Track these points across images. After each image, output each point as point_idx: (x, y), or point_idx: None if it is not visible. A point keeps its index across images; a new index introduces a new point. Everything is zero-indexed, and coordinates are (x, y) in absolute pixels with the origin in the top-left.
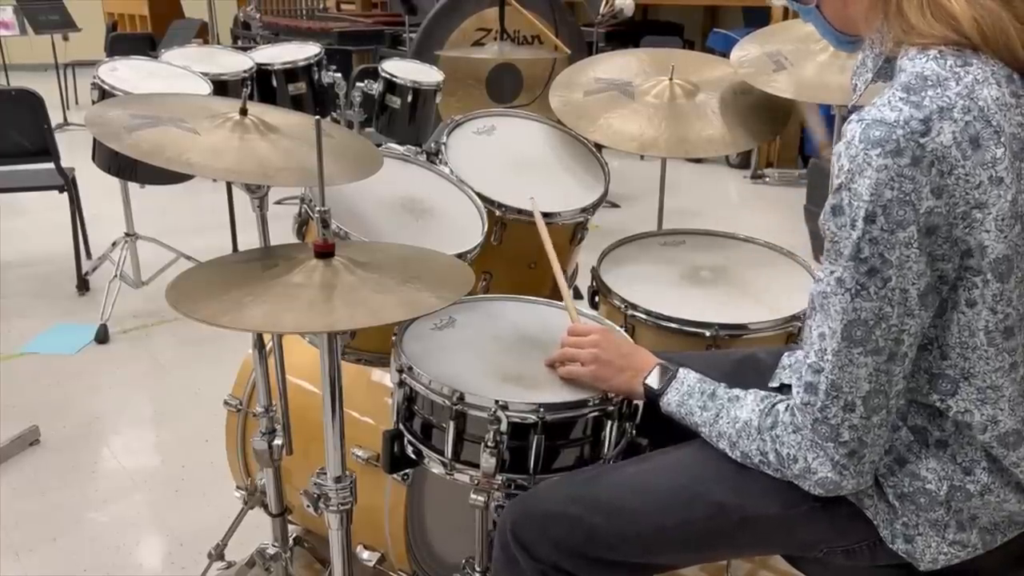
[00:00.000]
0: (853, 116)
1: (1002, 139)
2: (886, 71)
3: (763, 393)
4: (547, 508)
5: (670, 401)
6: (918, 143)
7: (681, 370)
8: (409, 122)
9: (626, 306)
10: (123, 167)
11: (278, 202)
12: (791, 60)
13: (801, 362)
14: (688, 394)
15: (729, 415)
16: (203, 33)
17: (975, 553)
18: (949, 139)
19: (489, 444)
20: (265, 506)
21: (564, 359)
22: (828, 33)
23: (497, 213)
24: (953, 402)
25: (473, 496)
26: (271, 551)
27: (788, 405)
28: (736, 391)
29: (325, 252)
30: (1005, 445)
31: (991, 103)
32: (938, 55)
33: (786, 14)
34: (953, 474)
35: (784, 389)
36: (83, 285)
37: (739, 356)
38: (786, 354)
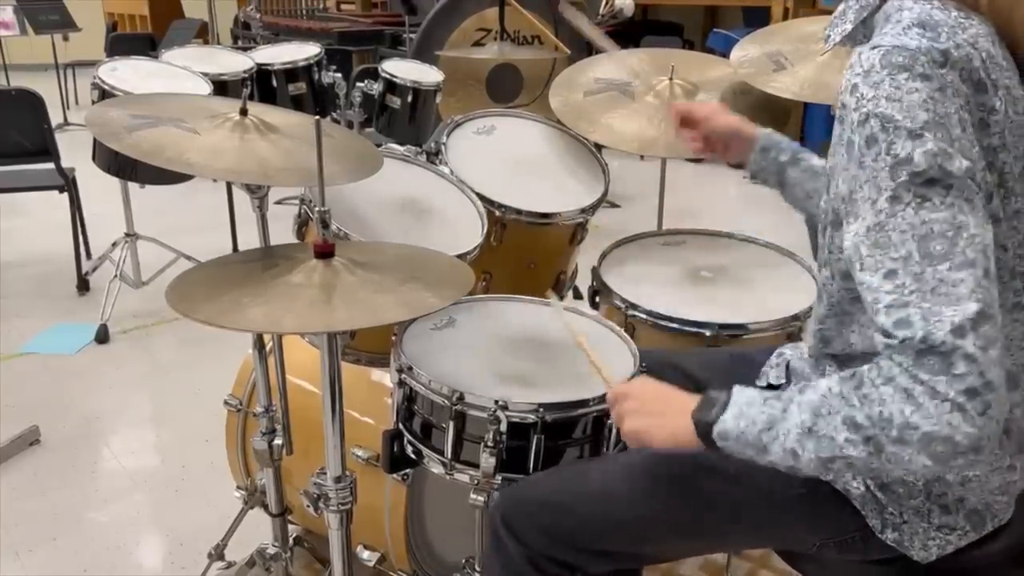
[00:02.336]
0: (861, 48)
1: (999, 92)
2: (862, 31)
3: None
4: (537, 496)
5: (726, 419)
6: (939, 73)
7: (735, 388)
8: (409, 122)
9: (626, 306)
10: (123, 167)
11: (278, 202)
12: (791, 60)
13: (872, 313)
14: (747, 403)
15: (803, 399)
16: (203, 33)
17: (968, 537)
18: (960, 76)
19: (489, 444)
20: (265, 506)
21: (616, 426)
22: None
23: (497, 213)
24: None
25: (473, 496)
26: (271, 551)
27: (870, 363)
28: (803, 384)
29: (325, 252)
30: None
31: (989, 58)
32: (941, 5)
33: (786, 14)
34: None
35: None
36: (83, 285)
37: (733, 354)
38: (775, 353)
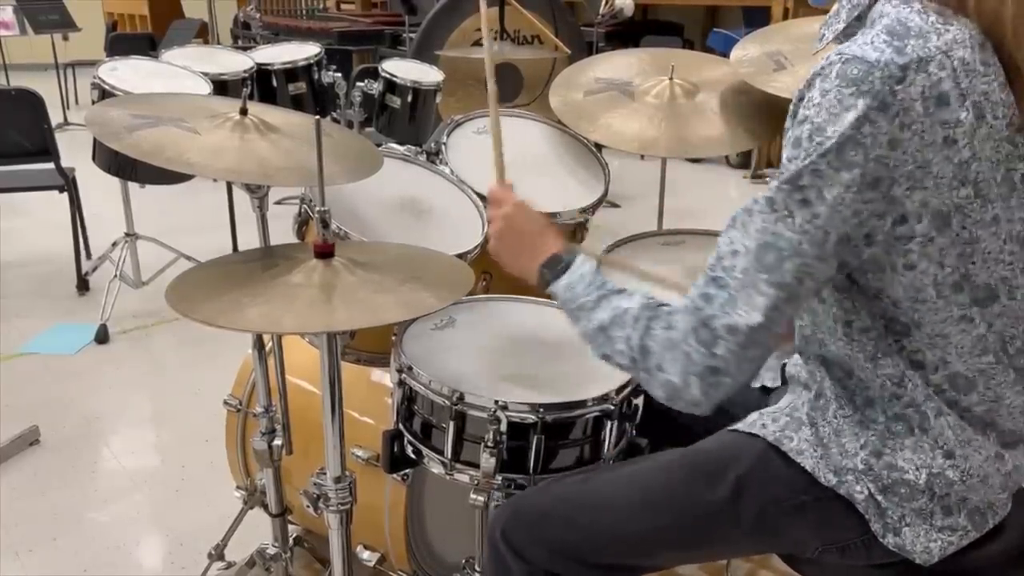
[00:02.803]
0: (833, 51)
1: (966, 103)
2: (855, 28)
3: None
4: (538, 510)
5: (559, 284)
6: (891, 89)
7: (579, 257)
8: (409, 122)
9: None
10: (123, 167)
11: (278, 202)
12: (791, 60)
13: (704, 275)
14: (579, 281)
15: (611, 303)
16: (203, 33)
17: (969, 537)
18: (918, 92)
19: (489, 444)
20: (265, 506)
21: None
22: None
23: None
24: (907, 342)
25: (473, 496)
26: (271, 551)
27: (673, 308)
28: (623, 287)
29: (325, 252)
30: (956, 388)
31: (963, 65)
32: (921, 9)
33: (786, 14)
34: (932, 461)
35: (764, 390)
36: (83, 285)
37: None
38: (775, 355)
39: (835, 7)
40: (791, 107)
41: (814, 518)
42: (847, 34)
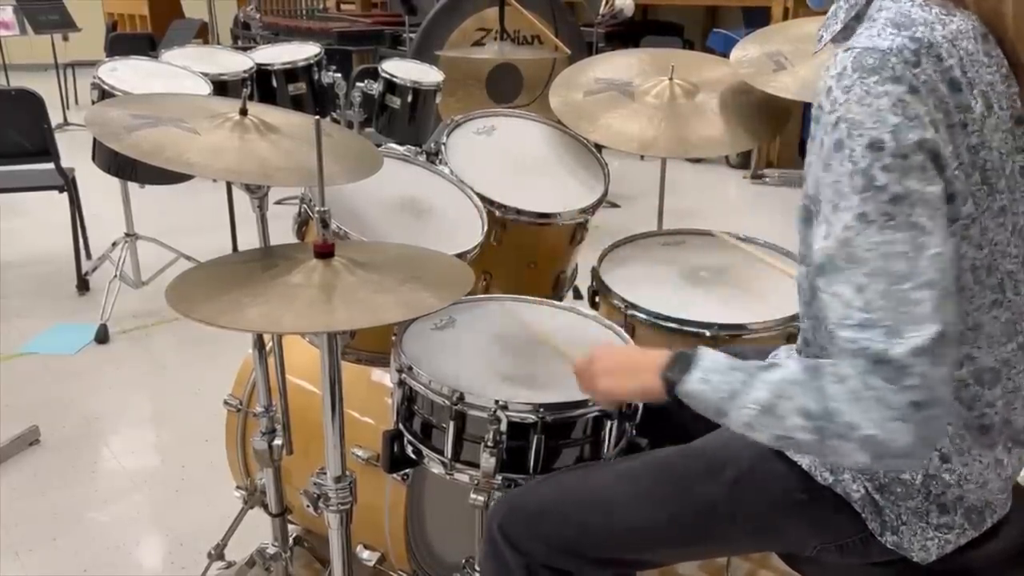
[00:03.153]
0: (839, 51)
1: (974, 91)
2: (853, 27)
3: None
4: (536, 504)
5: (690, 379)
6: (912, 73)
7: (700, 348)
8: (409, 122)
9: (626, 306)
10: (123, 167)
11: (278, 202)
12: (791, 60)
13: (835, 322)
14: (713, 369)
15: (765, 378)
16: (203, 33)
17: (967, 535)
18: (936, 75)
19: (489, 444)
20: (265, 506)
21: (586, 391)
22: None
23: (497, 213)
24: None
25: (473, 496)
26: (271, 551)
27: (832, 361)
28: (770, 361)
29: (325, 252)
30: (981, 383)
31: (968, 55)
32: (923, 3)
33: (786, 14)
34: (928, 463)
35: None
36: (83, 285)
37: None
38: (772, 353)
39: (832, 8)
40: (814, 114)
41: (812, 516)
42: (845, 35)
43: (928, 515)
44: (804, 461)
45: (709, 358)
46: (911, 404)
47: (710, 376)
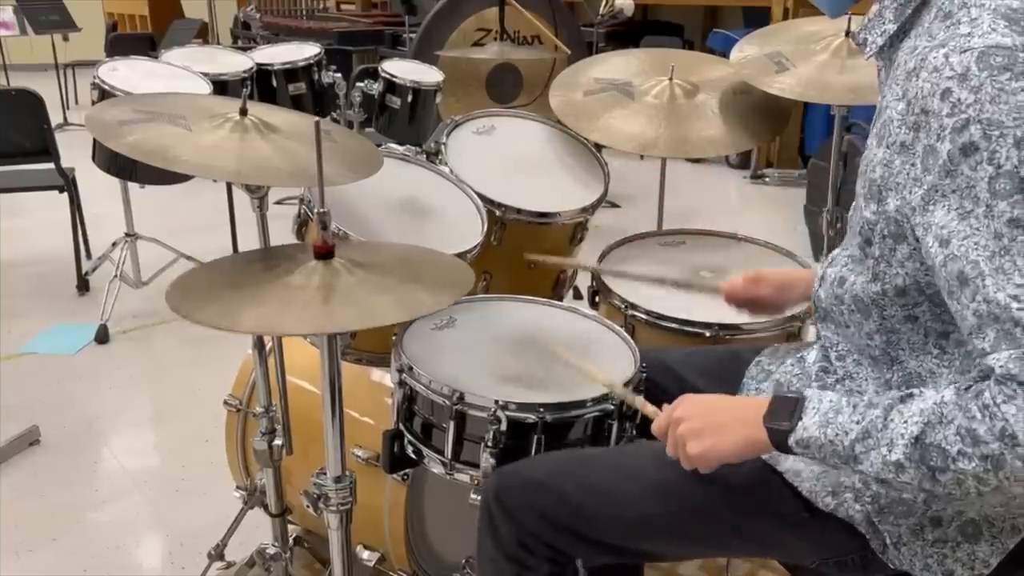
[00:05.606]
0: (940, 50)
1: None
2: (912, 22)
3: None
4: (535, 477)
5: (808, 425)
6: None
7: (806, 390)
8: (409, 122)
9: (626, 306)
10: (123, 167)
11: (278, 202)
12: (791, 60)
13: (983, 331)
14: (834, 411)
15: (908, 408)
16: (203, 33)
17: (962, 550)
18: None
19: (489, 444)
20: (265, 506)
21: (675, 456)
22: None
23: (497, 213)
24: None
25: (473, 496)
26: (271, 551)
27: (996, 378)
28: (908, 391)
29: (325, 253)
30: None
31: None
32: None
33: (786, 14)
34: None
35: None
36: (83, 285)
37: (721, 353)
38: (754, 363)
39: (875, 8)
40: (906, 121)
41: (813, 535)
42: (904, 31)
43: (923, 531)
44: (804, 486)
45: (824, 399)
46: None
47: (833, 418)
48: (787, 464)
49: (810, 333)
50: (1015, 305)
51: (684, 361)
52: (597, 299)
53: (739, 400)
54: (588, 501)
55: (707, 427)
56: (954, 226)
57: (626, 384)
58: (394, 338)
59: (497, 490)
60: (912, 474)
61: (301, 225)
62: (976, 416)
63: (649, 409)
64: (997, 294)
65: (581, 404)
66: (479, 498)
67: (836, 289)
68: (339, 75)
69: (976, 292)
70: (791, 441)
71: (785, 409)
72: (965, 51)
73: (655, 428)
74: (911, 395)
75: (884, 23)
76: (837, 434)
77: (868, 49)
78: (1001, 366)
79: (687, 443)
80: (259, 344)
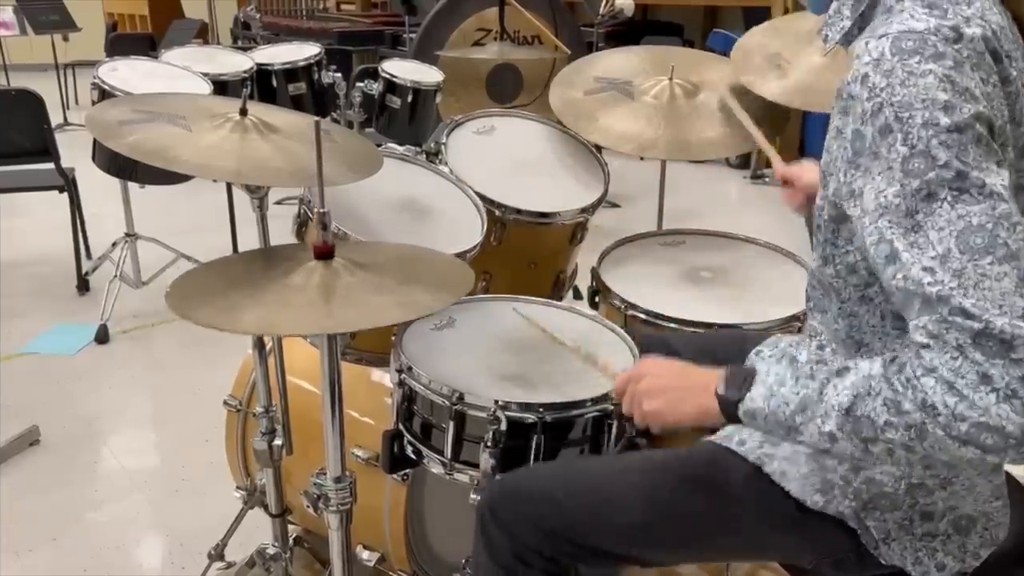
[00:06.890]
0: (867, 38)
1: (1012, 64)
2: (859, 26)
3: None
4: (529, 487)
5: (754, 396)
6: (954, 48)
7: (758, 362)
8: (409, 122)
9: (626, 306)
10: (123, 167)
11: (278, 202)
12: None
13: (908, 306)
14: (779, 383)
15: (843, 382)
16: (203, 33)
17: (953, 542)
18: (981, 47)
19: (489, 444)
20: (265, 506)
21: (630, 412)
22: None
23: (497, 213)
24: None
25: (473, 496)
26: (271, 551)
27: (911, 353)
28: (839, 366)
29: (325, 254)
30: None
31: (1000, 30)
32: None
33: (786, 15)
34: (911, 471)
35: None
36: (83, 285)
37: (724, 338)
38: (759, 347)
39: (834, 6)
40: (838, 107)
41: (806, 534)
42: (851, 33)
43: (912, 525)
44: (792, 487)
45: (771, 371)
46: (1021, 379)
47: (776, 389)
48: (774, 466)
49: None
50: (927, 279)
51: (687, 342)
52: (597, 299)
53: (701, 369)
54: (581, 509)
55: (667, 388)
56: (876, 205)
57: None
58: (394, 338)
59: (492, 502)
60: (844, 444)
61: (301, 225)
62: (898, 388)
63: (610, 372)
64: (911, 269)
65: (581, 404)
66: (479, 499)
67: (811, 278)
68: (339, 75)
69: (898, 269)
70: (740, 412)
71: (737, 380)
72: (882, 37)
73: (616, 384)
74: (847, 368)
75: (842, 19)
76: (779, 405)
77: (828, 45)
78: (921, 334)
79: (643, 400)
80: (259, 344)
